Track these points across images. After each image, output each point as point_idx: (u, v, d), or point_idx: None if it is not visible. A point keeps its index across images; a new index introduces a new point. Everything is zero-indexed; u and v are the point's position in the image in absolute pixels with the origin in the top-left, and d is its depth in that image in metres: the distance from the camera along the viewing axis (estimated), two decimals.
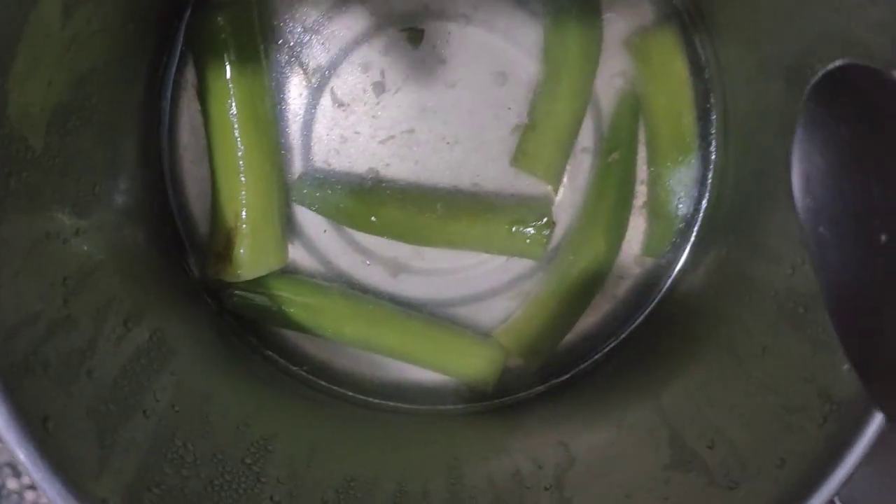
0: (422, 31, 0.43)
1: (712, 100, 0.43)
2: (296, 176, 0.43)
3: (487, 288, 0.45)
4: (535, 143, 0.43)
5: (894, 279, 0.25)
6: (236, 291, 0.43)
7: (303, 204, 0.43)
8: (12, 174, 0.28)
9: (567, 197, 0.44)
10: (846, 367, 0.30)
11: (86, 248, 0.33)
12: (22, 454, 0.25)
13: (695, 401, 0.37)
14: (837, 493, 0.30)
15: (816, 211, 0.27)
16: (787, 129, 0.27)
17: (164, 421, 0.33)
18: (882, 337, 0.26)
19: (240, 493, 0.34)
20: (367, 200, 0.43)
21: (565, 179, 0.44)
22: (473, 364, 0.44)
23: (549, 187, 0.44)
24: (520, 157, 0.43)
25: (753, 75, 0.37)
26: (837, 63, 0.26)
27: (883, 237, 0.25)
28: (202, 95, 0.41)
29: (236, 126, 0.40)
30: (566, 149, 0.43)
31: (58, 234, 0.31)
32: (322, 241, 0.44)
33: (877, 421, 0.29)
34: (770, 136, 0.38)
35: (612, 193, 0.44)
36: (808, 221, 0.27)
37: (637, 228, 0.45)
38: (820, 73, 0.26)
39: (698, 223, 0.44)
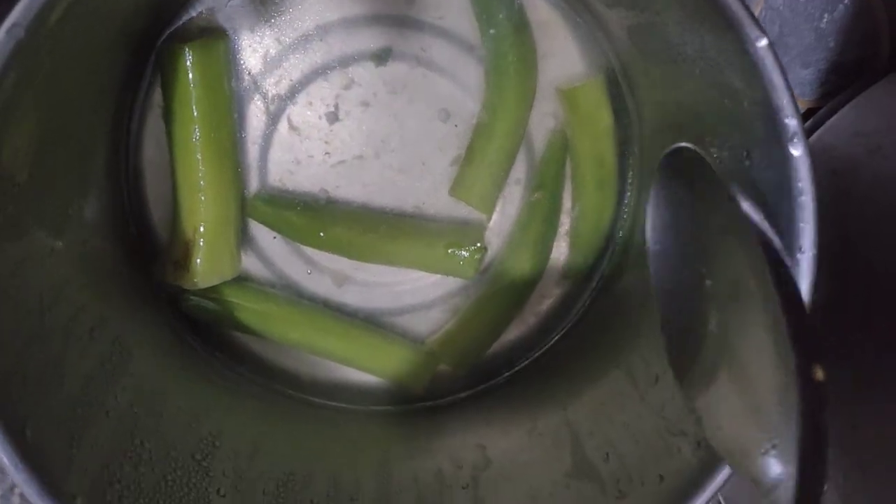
0: (389, 49, 0.46)
1: (630, 147, 0.48)
2: (252, 193, 0.47)
3: (423, 301, 0.49)
4: (471, 175, 0.47)
5: (710, 317, 0.32)
6: (192, 297, 0.46)
7: (257, 219, 0.47)
8: (0, 211, 0.31)
9: (499, 224, 0.49)
10: None
11: (58, 265, 0.36)
12: (6, 459, 0.30)
13: (596, 416, 0.42)
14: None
15: (660, 252, 0.34)
16: None
17: (123, 420, 0.37)
18: (693, 351, 0.33)
19: (190, 487, 0.38)
20: (317, 218, 0.47)
21: (498, 208, 0.48)
22: (407, 369, 0.49)
23: (484, 216, 0.48)
24: (457, 188, 0.47)
25: (661, 132, 0.42)
26: (679, 145, 0.32)
27: (708, 282, 0.32)
28: (167, 118, 0.44)
29: (198, 149, 0.43)
30: (499, 182, 0.47)
31: (35, 256, 0.34)
32: (273, 252, 0.48)
33: None
34: None
35: (538, 222, 0.48)
36: (653, 261, 0.34)
37: (561, 253, 0.49)
38: (668, 149, 0.32)
39: (611, 255, 0.49)
